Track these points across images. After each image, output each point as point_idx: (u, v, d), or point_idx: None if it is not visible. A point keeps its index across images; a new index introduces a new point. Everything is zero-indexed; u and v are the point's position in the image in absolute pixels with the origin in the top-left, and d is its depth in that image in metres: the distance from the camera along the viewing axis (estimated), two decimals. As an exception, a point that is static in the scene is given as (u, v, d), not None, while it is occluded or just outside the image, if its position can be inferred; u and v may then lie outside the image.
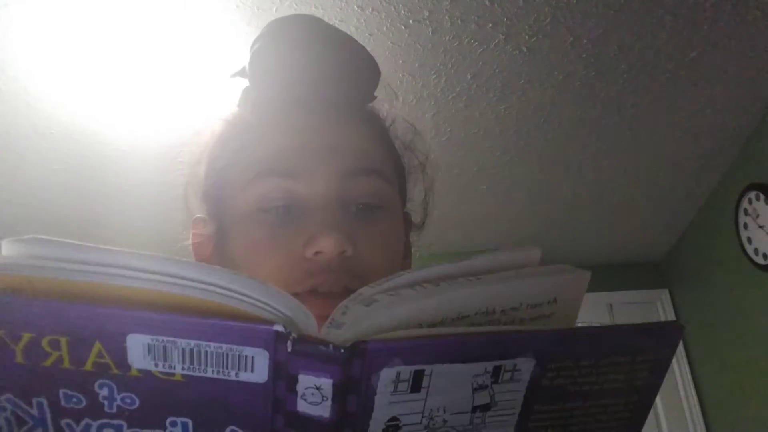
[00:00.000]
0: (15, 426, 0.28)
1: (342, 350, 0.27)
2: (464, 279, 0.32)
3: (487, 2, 1.66)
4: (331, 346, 0.27)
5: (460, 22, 1.72)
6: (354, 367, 0.27)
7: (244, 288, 0.28)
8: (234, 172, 0.50)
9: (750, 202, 2.24)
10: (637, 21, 1.74)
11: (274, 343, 0.27)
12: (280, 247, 0.45)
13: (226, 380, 0.27)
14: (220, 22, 1.68)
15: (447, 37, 1.78)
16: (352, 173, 0.47)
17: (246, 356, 0.27)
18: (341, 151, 0.48)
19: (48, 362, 0.27)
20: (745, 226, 2.28)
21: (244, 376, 0.27)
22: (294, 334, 0.27)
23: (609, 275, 3.29)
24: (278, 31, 0.51)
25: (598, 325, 0.32)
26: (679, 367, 2.98)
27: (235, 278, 0.28)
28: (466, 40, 1.79)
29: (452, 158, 2.35)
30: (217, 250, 0.51)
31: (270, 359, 0.27)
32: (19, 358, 0.27)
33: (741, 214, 2.30)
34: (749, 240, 2.26)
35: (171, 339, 0.26)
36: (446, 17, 1.71)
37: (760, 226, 2.17)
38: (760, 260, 2.19)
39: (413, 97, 2.01)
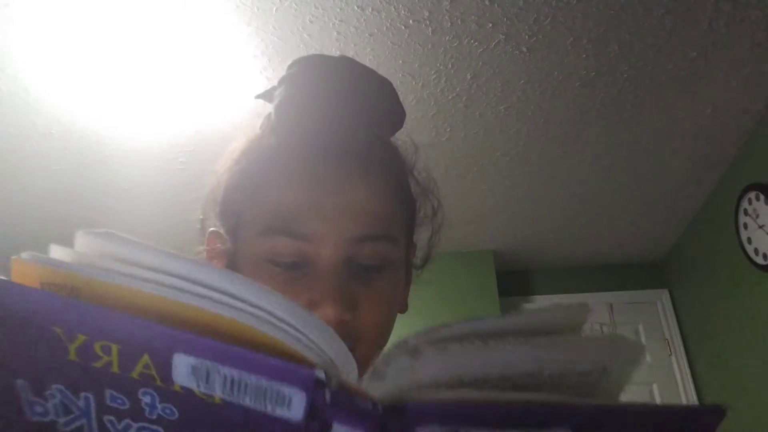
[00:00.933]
0: (62, 414, 0.30)
1: (380, 408, 0.27)
2: (513, 338, 0.32)
3: (487, 2, 1.66)
4: (370, 402, 0.27)
5: (460, 22, 1.72)
6: (390, 424, 0.27)
7: (297, 322, 0.29)
8: (248, 214, 0.51)
9: (750, 202, 2.24)
10: (637, 21, 1.74)
11: (314, 387, 0.27)
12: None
13: (263, 412, 0.28)
14: (220, 22, 1.68)
15: (447, 37, 1.78)
16: (360, 239, 0.49)
17: (284, 394, 0.28)
18: (353, 214, 0.49)
19: (98, 364, 0.28)
20: (745, 226, 2.28)
21: (280, 412, 0.28)
22: (334, 383, 0.28)
23: (609, 275, 3.30)
24: (310, 69, 0.52)
25: (640, 403, 0.32)
26: (678, 367, 2.98)
27: (291, 310, 0.29)
28: (466, 40, 1.79)
29: (452, 158, 2.35)
30: (229, 266, 0.53)
31: (307, 401, 0.27)
32: (72, 356, 0.28)
33: (741, 214, 2.30)
34: (749, 240, 2.26)
35: (215, 364, 0.27)
36: (446, 17, 1.71)
37: (760, 226, 2.17)
38: (760, 260, 2.19)
39: (413, 97, 2.01)
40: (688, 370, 2.94)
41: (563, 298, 3.23)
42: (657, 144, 2.31)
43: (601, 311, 3.16)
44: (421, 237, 0.61)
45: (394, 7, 1.66)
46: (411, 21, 1.71)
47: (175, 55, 1.78)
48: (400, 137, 0.59)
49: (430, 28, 1.74)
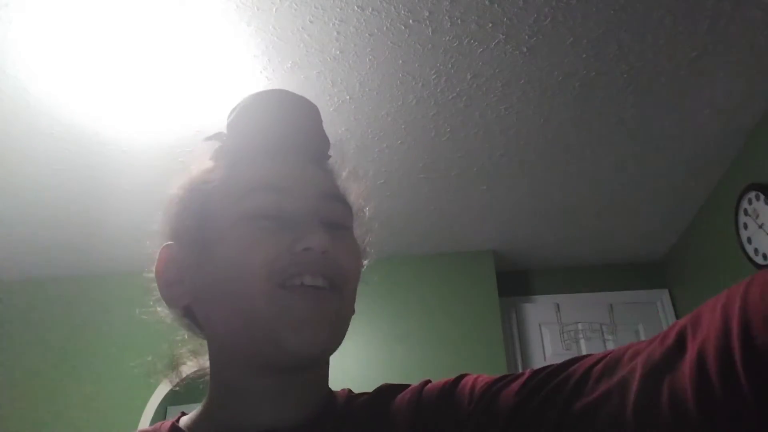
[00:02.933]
0: None
1: None
2: None
3: (487, 2, 1.66)
4: None
5: (459, 22, 1.72)
6: None
7: None
8: (225, 189, 0.56)
9: (750, 202, 2.24)
10: (637, 21, 1.74)
11: None
12: (273, 244, 0.52)
13: None
14: (220, 22, 1.68)
15: (447, 38, 1.78)
16: (327, 196, 0.57)
17: None
18: (318, 179, 0.58)
19: None
20: (745, 226, 2.28)
21: None
22: None
23: (609, 275, 3.30)
24: (253, 98, 0.60)
25: None
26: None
27: None
28: (466, 41, 1.79)
29: (452, 158, 2.35)
30: (192, 266, 0.56)
31: None
32: None
33: (741, 214, 2.30)
34: (749, 240, 2.26)
35: None
36: (446, 17, 1.71)
37: (760, 226, 2.17)
38: (760, 260, 2.19)
39: (413, 97, 2.01)
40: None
41: (563, 297, 3.23)
42: (657, 144, 2.31)
43: (601, 311, 3.16)
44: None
45: (394, 7, 1.66)
46: (411, 21, 1.71)
47: (174, 54, 1.78)
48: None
49: (430, 28, 1.74)
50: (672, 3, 1.69)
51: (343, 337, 0.54)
